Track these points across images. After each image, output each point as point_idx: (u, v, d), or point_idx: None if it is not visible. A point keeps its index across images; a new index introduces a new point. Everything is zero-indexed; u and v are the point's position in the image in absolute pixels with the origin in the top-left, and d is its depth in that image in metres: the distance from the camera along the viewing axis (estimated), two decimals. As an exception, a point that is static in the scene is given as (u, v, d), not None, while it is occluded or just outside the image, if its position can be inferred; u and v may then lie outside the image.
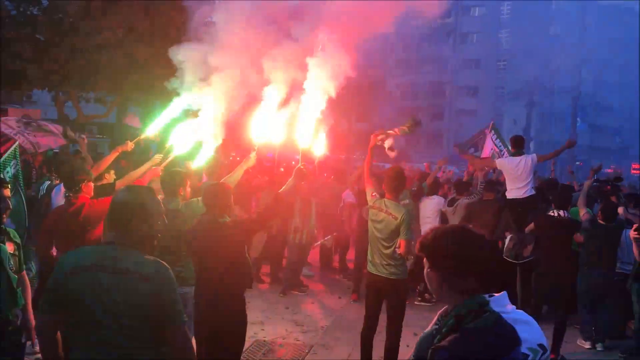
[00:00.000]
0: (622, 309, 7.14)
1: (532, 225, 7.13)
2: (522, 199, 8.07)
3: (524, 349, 1.91)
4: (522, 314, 2.01)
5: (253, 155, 5.40)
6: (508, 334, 1.92)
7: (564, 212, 6.82)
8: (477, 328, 1.94)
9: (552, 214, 6.83)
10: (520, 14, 51.16)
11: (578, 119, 48.82)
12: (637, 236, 6.16)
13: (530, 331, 1.96)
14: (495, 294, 2.03)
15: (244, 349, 4.41)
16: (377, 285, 5.34)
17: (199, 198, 4.57)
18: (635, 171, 31.52)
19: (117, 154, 6.01)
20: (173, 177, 4.97)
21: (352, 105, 27.43)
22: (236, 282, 4.11)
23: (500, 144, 10.05)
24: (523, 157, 8.20)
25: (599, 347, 6.90)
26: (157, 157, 5.79)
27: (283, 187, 4.63)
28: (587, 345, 6.95)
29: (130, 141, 6.16)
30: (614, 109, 59.00)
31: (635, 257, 6.36)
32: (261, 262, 9.30)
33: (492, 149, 10.50)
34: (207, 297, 4.07)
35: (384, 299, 5.40)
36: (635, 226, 6.25)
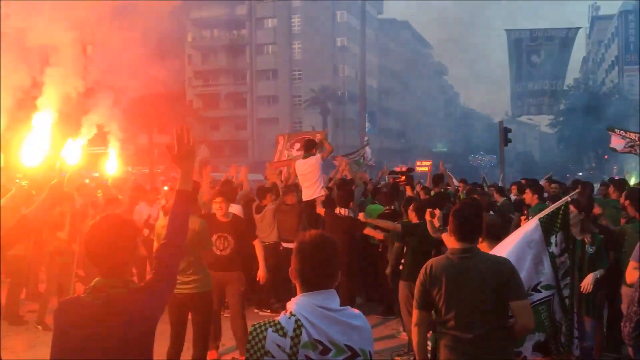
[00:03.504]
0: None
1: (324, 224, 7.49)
2: (311, 200, 8.31)
3: (326, 341, 2.14)
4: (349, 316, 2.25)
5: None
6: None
7: (345, 210, 7.30)
8: None
9: (337, 212, 7.30)
10: (309, 27, 54.21)
11: (368, 123, 53.05)
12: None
13: (341, 331, 2.18)
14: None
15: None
16: (182, 302, 5.11)
17: None
18: (420, 168, 32.04)
19: None
20: None
21: (151, 119, 26.45)
22: None
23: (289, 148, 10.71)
24: (309, 158, 8.45)
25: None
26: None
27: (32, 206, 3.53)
28: None
29: None
30: (397, 114, 65.56)
31: None
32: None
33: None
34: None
35: (188, 315, 5.21)
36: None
